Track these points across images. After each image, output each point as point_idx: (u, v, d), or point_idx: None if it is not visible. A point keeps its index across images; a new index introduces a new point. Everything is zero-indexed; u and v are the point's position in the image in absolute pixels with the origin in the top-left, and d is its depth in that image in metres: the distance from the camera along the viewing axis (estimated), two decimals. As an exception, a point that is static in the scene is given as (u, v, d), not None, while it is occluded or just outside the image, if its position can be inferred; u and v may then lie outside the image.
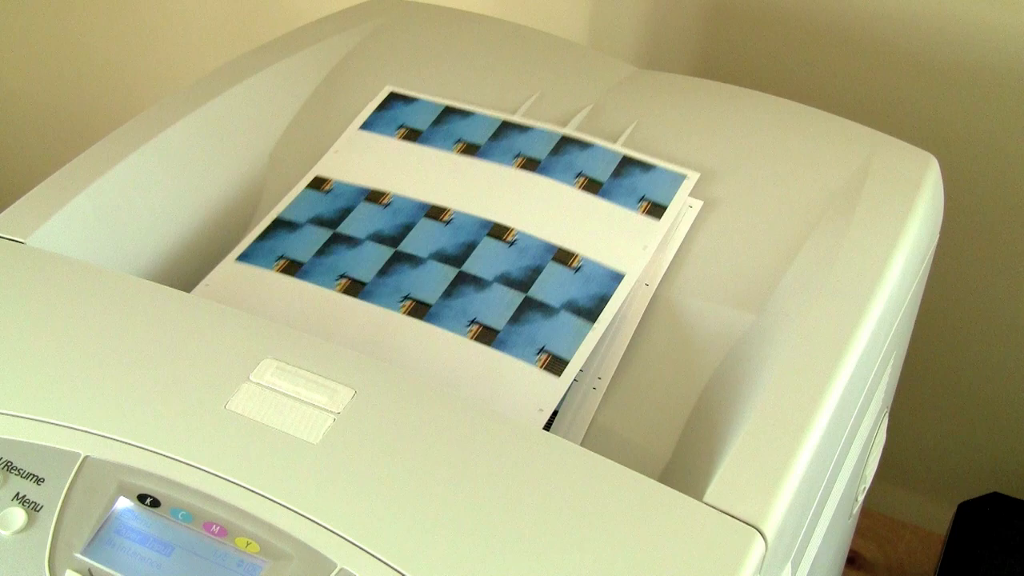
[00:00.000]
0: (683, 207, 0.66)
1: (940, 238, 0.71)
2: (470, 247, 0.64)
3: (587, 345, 0.61)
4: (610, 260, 0.64)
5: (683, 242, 0.65)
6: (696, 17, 1.00)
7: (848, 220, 0.64)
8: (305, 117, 0.74)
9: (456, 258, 0.64)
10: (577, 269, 0.63)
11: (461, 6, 0.86)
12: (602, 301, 0.62)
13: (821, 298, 0.59)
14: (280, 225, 0.67)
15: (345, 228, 0.66)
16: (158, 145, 0.68)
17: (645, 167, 0.68)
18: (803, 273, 0.62)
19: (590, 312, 0.62)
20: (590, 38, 1.06)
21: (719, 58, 1.01)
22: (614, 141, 0.71)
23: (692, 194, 0.67)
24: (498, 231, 0.65)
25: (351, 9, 0.83)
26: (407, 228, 0.66)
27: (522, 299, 0.62)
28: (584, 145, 0.69)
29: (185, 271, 0.67)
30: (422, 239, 0.65)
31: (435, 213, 0.66)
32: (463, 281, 0.63)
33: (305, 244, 0.66)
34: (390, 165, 0.70)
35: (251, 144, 0.72)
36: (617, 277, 0.63)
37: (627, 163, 0.68)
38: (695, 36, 1.01)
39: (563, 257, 0.64)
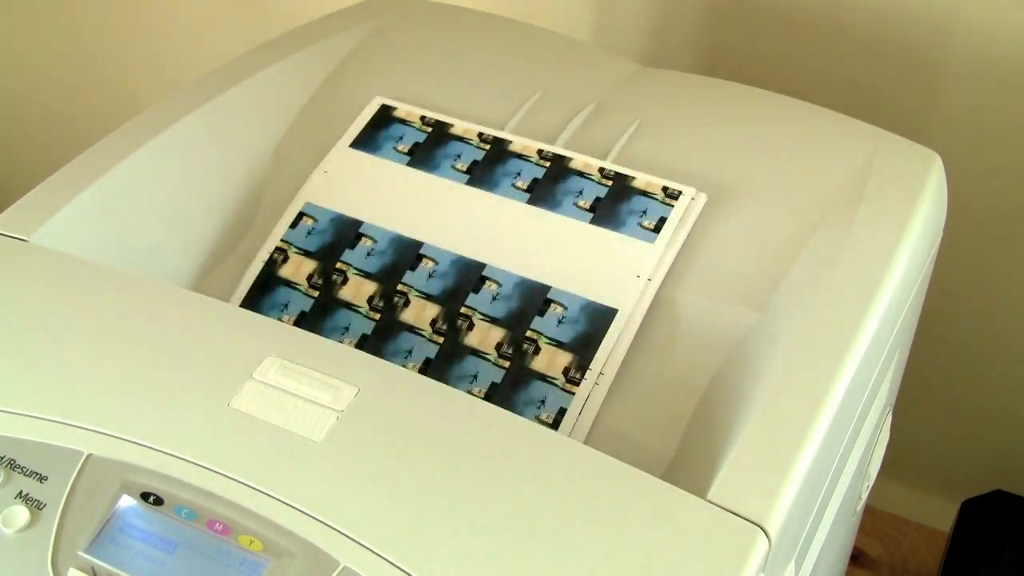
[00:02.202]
0: (679, 224, 0.65)
1: (944, 235, 0.71)
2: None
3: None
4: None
5: (687, 239, 0.65)
6: (700, 15, 1.00)
7: (852, 218, 0.64)
8: (309, 114, 0.74)
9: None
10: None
11: (464, 3, 0.86)
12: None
13: (825, 296, 0.59)
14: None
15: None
16: (161, 143, 0.68)
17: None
18: (807, 271, 0.62)
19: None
20: (594, 36, 1.06)
21: (723, 56, 1.01)
22: (616, 139, 0.71)
23: (696, 187, 0.67)
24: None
25: (354, 7, 0.83)
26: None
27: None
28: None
29: (188, 269, 0.67)
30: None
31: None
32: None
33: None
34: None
35: (255, 141, 0.72)
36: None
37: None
38: (699, 34, 1.01)
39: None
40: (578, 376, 0.61)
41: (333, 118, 0.73)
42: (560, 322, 0.62)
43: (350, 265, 0.66)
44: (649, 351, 0.62)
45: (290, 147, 0.73)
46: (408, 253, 0.66)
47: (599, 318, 0.62)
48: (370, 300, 0.64)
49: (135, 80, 1.34)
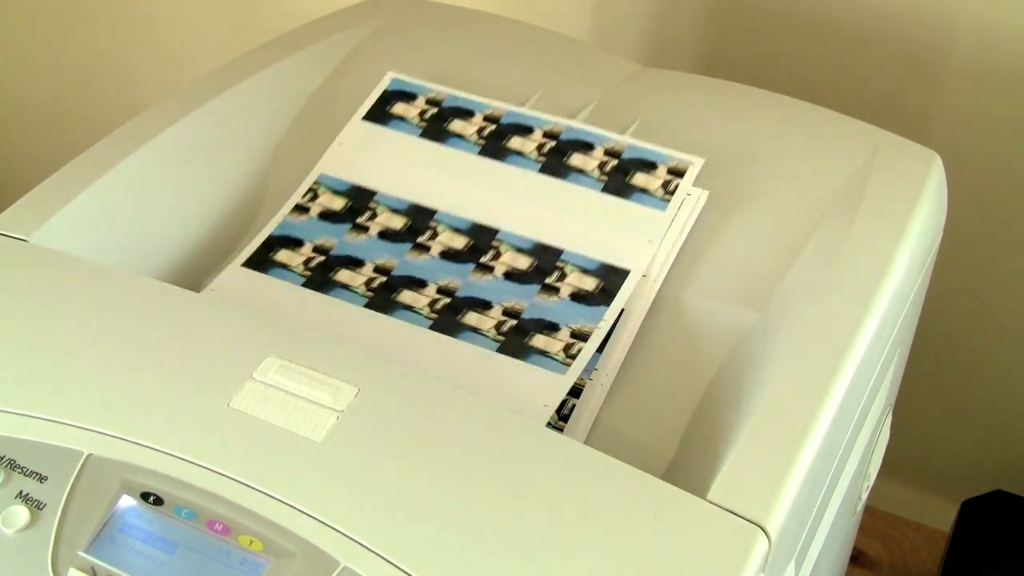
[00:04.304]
0: (686, 195, 0.66)
1: (944, 235, 0.71)
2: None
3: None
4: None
5: (687, 238, 0.65)
6: (700, 15, 1.00)
7: (852, 218, 0.64)
8: (309, 115, 0.74)
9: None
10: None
11: (464, 3, 0.86)
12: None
13: (825, 296, 0.59)
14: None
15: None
16: (161, 143, 0.68)
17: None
18: (807, 271, 0.62)
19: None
20: (593, 36, 1.06)
21: (723, 56, 1.01)
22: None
23: (697, 184, 0.67)
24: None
25: (354, 7, 0.83)
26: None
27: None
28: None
29: (188, 269, 0.67)
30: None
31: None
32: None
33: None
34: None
35: (254, 142, 0.72)
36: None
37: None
38: (699, 34, 1.01)
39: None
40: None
41: (333, 118, 0.73)
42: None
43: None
44: (649, 351, 0.62)
45: (290, 147, 0.73)
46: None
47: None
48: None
49: (135, 80, 1.34)
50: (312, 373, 0.53)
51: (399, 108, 0.72)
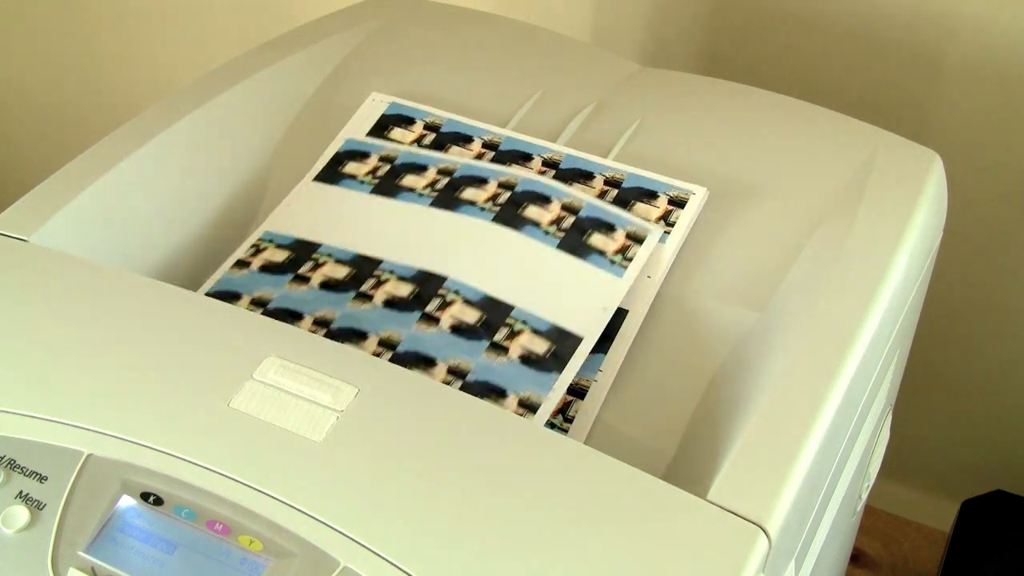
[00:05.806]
0: (690, 225, 0.65)
1: (944, 235, 0.71)
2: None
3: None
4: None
5: (687, 239, 0.65)
6: (700, 15, 1.00)
7: (852, 218, 0.64)
8: (308, 115, 0.74)
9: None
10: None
11: (464, 3, 0.86)
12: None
13: (825, 296, 0.59)
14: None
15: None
16: (161, 143, 0.68)
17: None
18: (807, 271, 0.62)
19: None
20: (593, 36, 1.06)
21: (723, 56, 1.01)
22: (617, 139, 0.71)
23: (697, 183, 0.67)
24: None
25: (354, 7, 0.83)
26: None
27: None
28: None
29: (188, 269, 0.67)
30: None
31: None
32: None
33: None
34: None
35: (254, 142, 0.72)
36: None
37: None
38: (699, 34, 1.01)
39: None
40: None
41: (333, 118, 0.73)
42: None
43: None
44: (650, 351, 0.62)
45: (290, 147, 0.73)
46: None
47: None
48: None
49: (136, 80, 1.34)
50: (312, 373, 0.53)
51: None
